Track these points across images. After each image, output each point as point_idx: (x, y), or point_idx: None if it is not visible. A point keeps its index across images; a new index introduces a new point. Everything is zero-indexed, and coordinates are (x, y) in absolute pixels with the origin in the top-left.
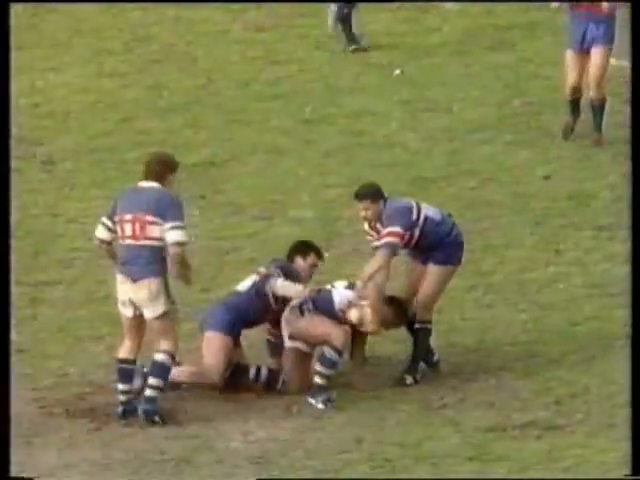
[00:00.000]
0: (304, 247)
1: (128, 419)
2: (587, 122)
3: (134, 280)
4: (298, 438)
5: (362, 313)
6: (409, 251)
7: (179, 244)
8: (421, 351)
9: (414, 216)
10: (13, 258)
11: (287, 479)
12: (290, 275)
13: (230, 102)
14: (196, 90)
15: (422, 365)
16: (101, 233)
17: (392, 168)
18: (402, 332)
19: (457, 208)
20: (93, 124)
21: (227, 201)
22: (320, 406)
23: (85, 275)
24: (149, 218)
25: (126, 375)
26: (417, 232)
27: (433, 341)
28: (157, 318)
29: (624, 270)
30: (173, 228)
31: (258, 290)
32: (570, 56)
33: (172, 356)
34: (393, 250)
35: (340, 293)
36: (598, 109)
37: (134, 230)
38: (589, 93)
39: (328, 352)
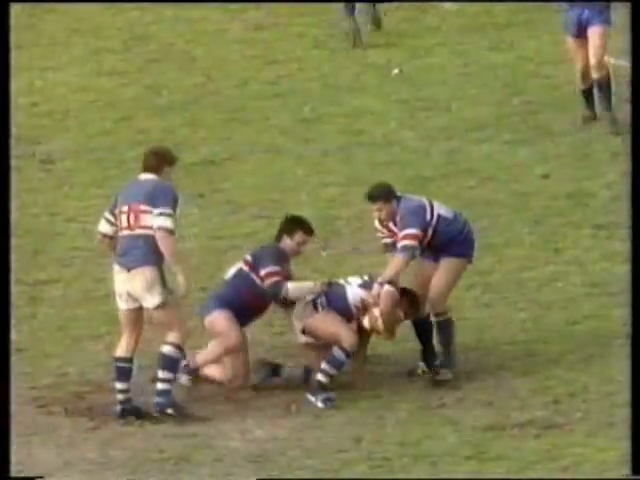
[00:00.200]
0: (291, 225)
1: (127, 418)
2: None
3: (129, 269)
4: (297, 437)
5: (374, 321)
6: (420, 250)
7: (164, 230)
8: (450, 343)
9: (428, 215)
10: (12, 257)
11: (286, 479)
12: (262, 256)
13: (229, 101)
14: (195, 89)
15: (422, 365)
16: (103, 227)
17: (391, 167)
18: (402, 332)
19: (456, 207)
20: (92, 123)
21: (226, 200)
22: (319, 404)
23: (84, 274)
24: (142, 207)
25: (123, 373)
26: (430, 231)
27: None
28: (156, 308)
29: (623, 269)
30: (161, 214)
31: (244, 278)
32: (570, 41)
33: (178, 347)
34: (412, 253)
35: (354, 291)
36: (605, 87)
37: (129, 220)
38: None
39: (337, 352)
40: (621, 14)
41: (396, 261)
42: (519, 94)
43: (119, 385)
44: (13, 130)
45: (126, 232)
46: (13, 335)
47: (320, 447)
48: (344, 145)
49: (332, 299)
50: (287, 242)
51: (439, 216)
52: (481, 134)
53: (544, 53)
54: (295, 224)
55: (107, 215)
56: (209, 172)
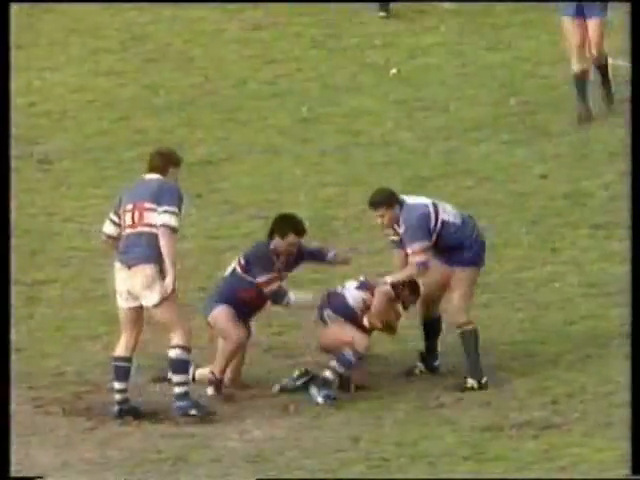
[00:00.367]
0: (283, 226)
1: (124, 418)
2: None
3: (129, 267)
4: (295, 437)
5: (370, 321)
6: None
7: (167, 227)
8: (474, 353)
9: (432, 224)
10: (10, 257)
11: (284, 479)
12: (254, 263)
13: (227, 101)
14: (193, 89)
15: (420, 365)
16: (107, 228)
17: (389, 167)
18: (402, 333)
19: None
20: (90, 123)
21: (223, 200)
22: (319, 400)
23: (82, 274)
24: (147, 205)
25: (122, 373)
26: (434, 237)
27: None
28: (156, 306)
29: (621, 269)
30: (166, 212)
31: (239, 279)
32: (567, 21)
33: (184, 348)
34: (425, 267)
35: (353, 295)
36: (604, 72)
37: (133, 218)
38: (591, 62)
39: (348, 353)
40: (621, 14)
41: (410, 270)
42: (517, 94)
43: (117, 385)
44: (11, 130)
45: (129, 230)
46: (11, 335)
47: (318, 447)
48: (342, 145)
49: (335, 308)
50: (279, 242)
51: (443, 222)
52: (479, 134)
53: (542, 53)
54: (287, 225)
55: (112, 216)
56: (207, 172)
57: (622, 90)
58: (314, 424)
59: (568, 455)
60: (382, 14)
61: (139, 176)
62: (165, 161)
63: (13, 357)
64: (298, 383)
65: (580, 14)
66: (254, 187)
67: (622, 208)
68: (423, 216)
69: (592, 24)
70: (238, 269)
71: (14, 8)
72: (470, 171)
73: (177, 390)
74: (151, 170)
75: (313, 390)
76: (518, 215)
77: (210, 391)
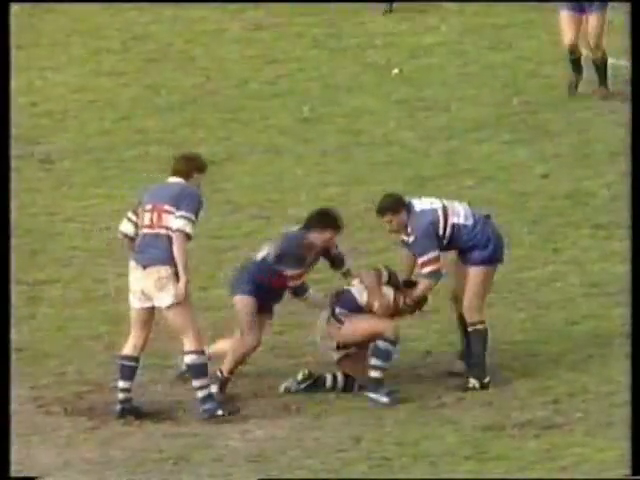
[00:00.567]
0: (324, 222)
1: (126, 418)
2: (584, 118)
3: (144, 267)
4: (296, 437)
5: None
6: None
7: (182, 233)
8: (480, 353)
9: (441, 230)
10: (11, 257)
11: (286, 479)
12: (287, 254)
13: (228, 101)
14: (194, 89)
15: (460, 363)
16: (124, 227)
17: (390, 167)
18: (403, 333)
19: None
20: (91, 123)
21: (225, 200)
22: (384, 399)
23: (83, 274)
24: (166, 207)
25: (128, 372)
26: (445, 242)
27: (432, 341)
28: (168, 308)
29: (622, 269)
30: (182, 217)
31: (269, 268)
32: (565, 16)
33: (199, 352)
34: (439, 276)
35: (360, 291)
36: (601, 65)
37: (152, 219)
38: (589, 54)
39: (382, 344)
40: (621, 14)
41: (426, 284)
42: (518, 94)
43: (122, 384)
44: (12, 130)
45: (146, 230)
46: (12, 335)
47: (320, 447)
48: (343, 145)
49: (347, 306)
50: (316, 235)
51: (454, 225)
52: (480, 134)
53: (543, 53)
54: (328, 222)
55: (130, 215)
56: (208, 172)
57: (622, 90)
58: (316, 424)
59: (570, 455)
60: (387, 9)
61: (140, 176)
62: (190, 166)
63: (14, 357)
64: (302, 387)
65: (577, 10)
66: (255, 187)
67: (623, 208)
68: (431, 224)
69: (592, 20)
70: (271, 258)
71: (15, 8)
72: (472, 171)
73: (200, 394)
74: (175, 174)
75: (372, 395)
76: (519, 215)
77: (214, 389)
